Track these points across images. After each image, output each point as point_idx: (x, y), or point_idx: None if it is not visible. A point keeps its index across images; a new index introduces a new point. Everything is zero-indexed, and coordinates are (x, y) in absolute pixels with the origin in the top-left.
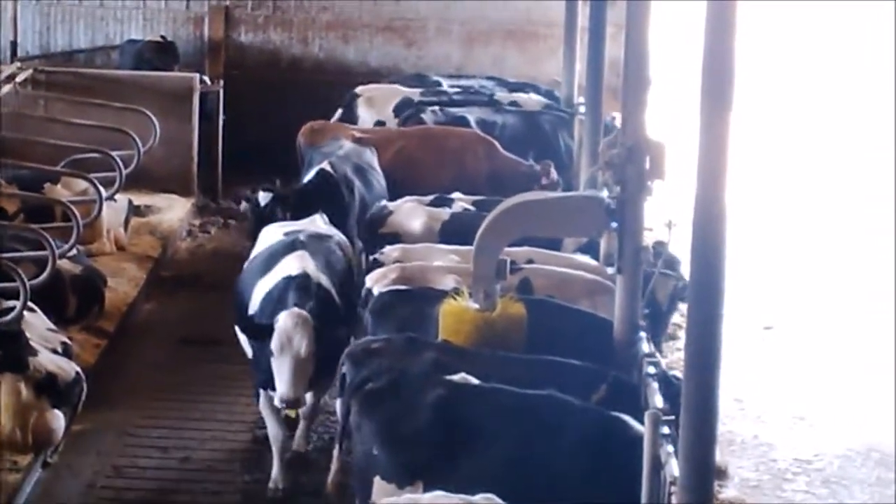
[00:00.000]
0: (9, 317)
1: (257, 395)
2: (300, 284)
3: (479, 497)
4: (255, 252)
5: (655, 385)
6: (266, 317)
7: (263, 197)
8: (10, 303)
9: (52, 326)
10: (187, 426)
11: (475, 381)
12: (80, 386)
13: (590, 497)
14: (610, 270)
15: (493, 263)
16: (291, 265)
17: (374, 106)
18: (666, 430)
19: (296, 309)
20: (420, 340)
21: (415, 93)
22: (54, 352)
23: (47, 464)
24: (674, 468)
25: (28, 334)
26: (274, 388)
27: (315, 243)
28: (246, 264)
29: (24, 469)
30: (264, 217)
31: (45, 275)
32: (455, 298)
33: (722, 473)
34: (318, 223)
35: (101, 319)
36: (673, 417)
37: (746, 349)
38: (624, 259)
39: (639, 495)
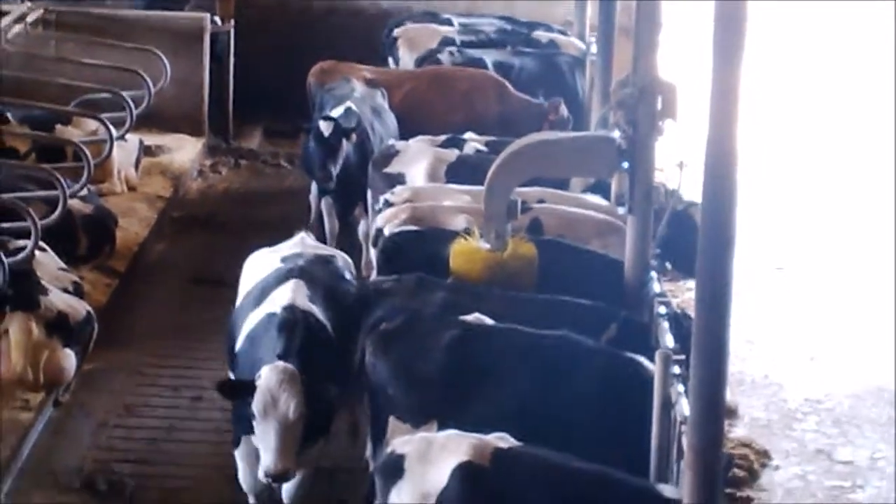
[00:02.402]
0: (20, 256)
1: (237, 441)
2: (284, 322)
3: (492, 435)
4: (249, 281)
5: (666, 325)
6: (247, 367)
7: (326, 127)
8: (21, 242)
9: (63, 266)
10: (199, 365)
11: (489, 321)
12: (91, 325)
13: (601, 436)
14: (621, 211)
15: (504, 203)
16: (280, 297)
17: (416, 47)
18: (676, 369)
19: (280, 363)
20: (430, 280)
21: (452, 31)
22: (65, 291)
23: (59, 403)
24: (684, 408)
25: (39, 274)
26: None
27: (315, 269)
28: (239, 295)
29: (36, 408)
30: (330, 147)
31: (55, 214)
32: (466, 238)
33: (732, 413)
34: (308, 241)
35: (112, 259)
36: (683, 357)
37: (757, 289)
38: (635, 199)
39: (649, 435)
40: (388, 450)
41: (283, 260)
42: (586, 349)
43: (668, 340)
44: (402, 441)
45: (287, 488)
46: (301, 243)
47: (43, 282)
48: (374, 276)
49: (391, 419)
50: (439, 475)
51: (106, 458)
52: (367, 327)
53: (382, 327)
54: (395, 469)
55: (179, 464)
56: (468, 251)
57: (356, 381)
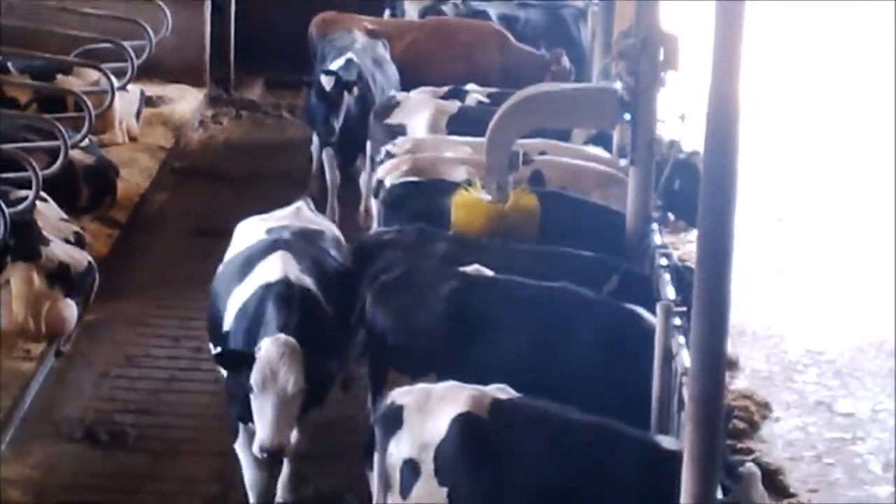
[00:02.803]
0: (21, 206)
1: (235, 431)
2: (281, 295)
3: (491, 387)
4: (230, 252)
5: (667, 276)
6: (242, 340)
7: (328, 81)
8: (23, 192)
9: (65, 216)
10: (200, 316)
11: (489, 272)
12: (92, 275)
13: (601, 387)
14: (622, 162)
15: (506, 155)
16: (270, 269)
17: None
18: (677, 321)
19: (282, 336)
20: (432, 232)
21: None
22: (67, 241)
23: (60, 353)
24: (685, 359)
25: (40, 224)
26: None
27: (301, 242)
28: (220, 266)
29: (37, 358)
30: (332, 102)
31: (57, 165)
32: (467, 190)
33: (733, 365)
34: (304, 212)
35: (114, 210)
36: (685, 309)
37: (758, 241)
38: (637, 151)
39: (649, 386)
40: (388, 401)
41: (269, 231)
42: (585, 300)
43: (670, 292)
44: (402, 392)
45: (282, 483)
46: (296, 213)
47: (44, 232)
48: (375, 227)
49: (391, 370)
50: (438, 426)
51: (107, 408)
52: (368, 278)
53: (382, 278)
54: (394, 419)
55: (181, 414)
56: (470, 203)
57: (352, 332)
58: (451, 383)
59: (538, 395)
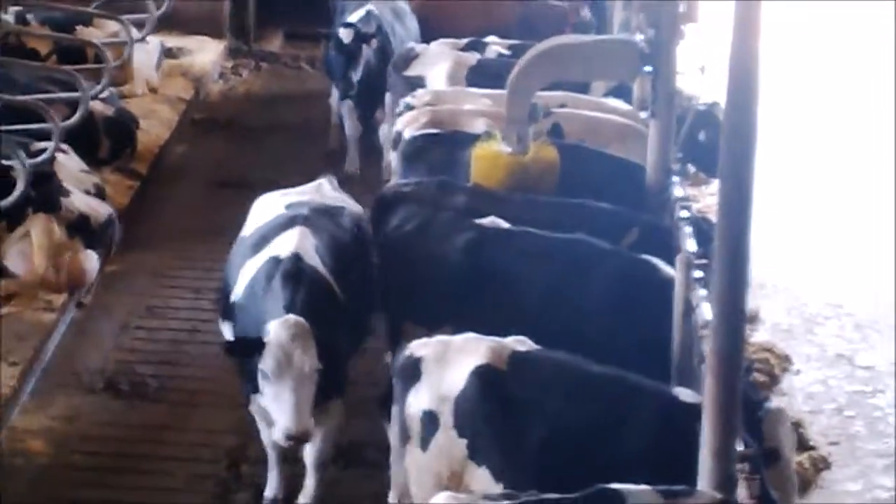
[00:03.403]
0: (41, 158)
1: (248, 399)
2: (289, 272)
3: (510, 339)
4: (247, 227)
5: (688, 229)
6: (249, 314)
7: (346, 34)
8: (43, 144)
9: (85, 168)
10: (220, 267)
11: (505, 224)
12: (112, 227)
13: (620, 339)
14: (642, 115)
15: (526, 107)
16: (284, 245)
17: None
18: (698, 273)
19: (291, 317)
20: (451, 184)
21: None
22: (87, 193)
23: (81, 304)
24: (705, 312)
25: (61, 175)
26: None
27: (320, 219)
28: (237, 240)
29: (59, 309)
30: (351, 55)
31: (77, 116)
32: (487, 142)
33: (754, 318)
34: (325, 189)
35: (134, 161)
36: (705, 261)
37: (779, 193)
38: (657, 103)
39: (669, 339)
40: (406, 353)
41: (288, 207)
42: (601, 252)
43: (690, 245)
44: (420, 344)
45: (310, 448)
46: (317, 189)
47: (64, 184)
48: (394, 179)
49: (407, 323)
50: (457, 378)
51: (128, 359)
52: (387, 231)
53: (399, 230)
54: (412, 372)
55: (201, 365)
56: (489, 155)
57: (368, 314)
58: (469, 335)
59: (555, 347)
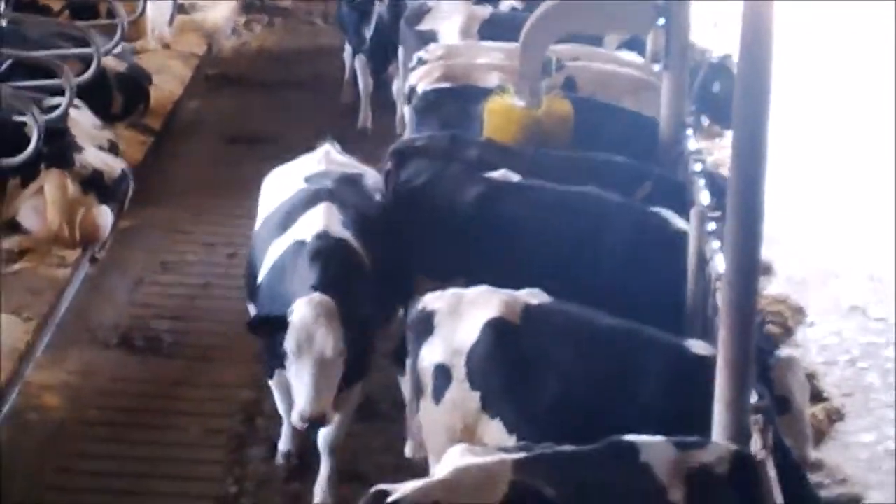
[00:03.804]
0: (55, 114)
1: (269, 374)
2: (317, 250)
3: (523, 291)
4: (265, 206)
5: (701, 182)
6: (277, 296)
7: None
8: (56, 100)
9: (98, 123)
10: (233, 222)
11: (516, 177)
12: (126, 182)
13: (631, 291)
14: (656, 68)
15: (539, 61)
16: (311, 222)
17: None
18: (711, 226)
19: (316, 295)
20: (464, 138)
21: None
22: (100, 149)
23: (95, 260)
24: (719, 265)
25: (74, 131)
26: None
27: (345, 191)
28: (258, 220)
29: (73, 265)
30: (363, 10)
31: (90, 72)
32: (500, 96)
33: (767, 270)
34: (333, 156)
35: (147, 117)
36: (719, 214)
37: (794, 146)
38: (671, 56)
39: (682, 291)
40: (419, 306)
41: (308, 180)
42: (612, 204)
43: (704, 197)
44: (433, 297)
45: (323, 432)
46: (325, 158)
47: (78, 139)
48: (407, 134)
49: (419, 277)
50: (470, 331)
51: (142, 314)
52: (399, 185)
53: (409, 185)
54: (425, 325)
55: (215, 320)
56: (503, 109)
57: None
58: (482, 288)
59: (565, 299)
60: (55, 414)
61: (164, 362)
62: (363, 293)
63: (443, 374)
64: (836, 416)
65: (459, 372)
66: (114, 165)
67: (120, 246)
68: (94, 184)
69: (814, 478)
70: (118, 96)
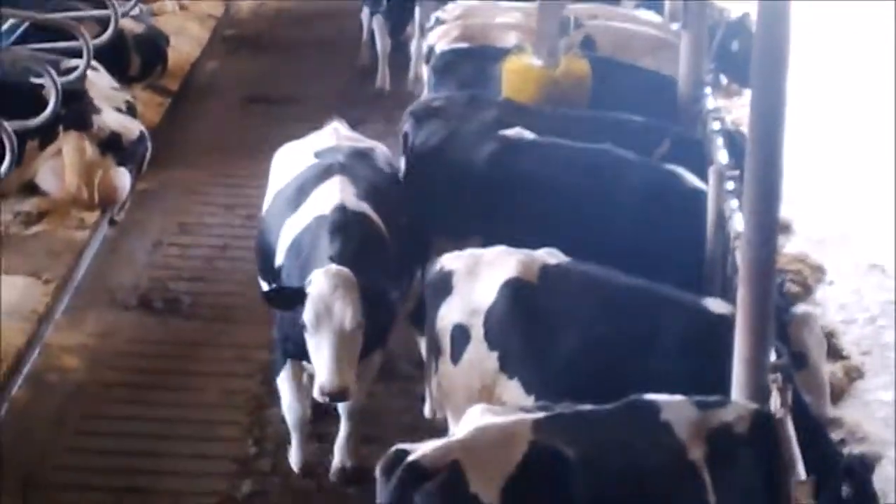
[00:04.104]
0: (72, 76)
1: (279, 367)
2: (336, 223)
3: (541, 251)
4: (275, 182)
5: (720, 140)
6: (296, 275)
7: None
8: (74, 62)
9: (116, 85)
10: (252, 183)
11: (530, 135)
12: (144, 144)
13: (648, 248)
14: (674, 26)
15: (557, 20)
16: (326, 197)
17: None
18: (730, 185)
19: (333, 266)
20: (482, 98)
21: None
22: (118, 110)
23: (114, 222)
24: (738, 223)
25: (92, 93)
26: (307, 358)
27: (356, 164)
28: (269, 197)
29: (91, 227)
30: None
31: (107, 34)
32: (518, 56)
33: (787, 228)
34: (342, 132)
35: (165, 78)
36: (737, 172)
37: (813, 105)
38: (689, 15)
39: (696, 249)
40: (437, 266)
41: (318, 155)
42: (626, 161)
43: (722, 156)
44: (451, 257)
45: (339, 446)
46: (335, 134)
47: (96, 101)
48: (425, 94)
49: (434, 236)
50: (488, 291)
51: (161, 276)
52: (416, 144)
53: (428, 143)
54: (443, 285)
55: (234, 281)
56: (520, 69)
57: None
58: (500, 248)
59: (580, 258)
60: (74, 375)
61: (183, 324)
62: (381, 265)
63: (461, 335)
64: (855, 374)
65: (478, 332)
66: (132, 127)
67: (138, 208)
68: (113, 146)
69: (833, 435)
70: (136, 58)
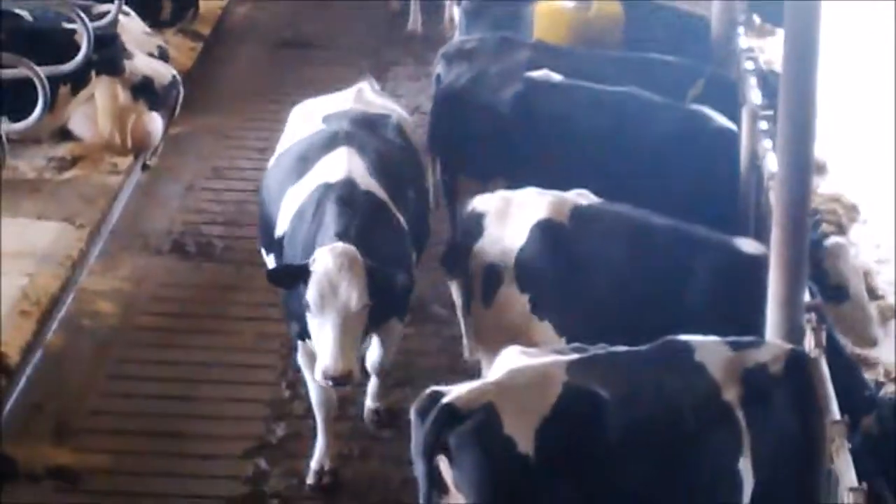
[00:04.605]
0: (104, 20)
1: (294, 346)
2: (343, 198)
3: (572, 192)
4: (284, 141)
5: (753, 80)
6: (299, 249)
7: None
8: (105, 7)
9: (148, 30)
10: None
11: (557, 77)
12: (176, 89)
13: (673, 189)
14: None
15: None
16: (332, 169)
17: None
18: (764, 125)
19: (339, 245)
20: (514, 40)
21: None
22: (150, 55)
23: (147, 166)
24: (771, 164)
25: (124, 38)
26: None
27: (363, 133)
28: (272, 160)
29: (124, 172)
30: None
31: None
32: None
33: (821, 168)
34: (365, 95)
35: (196, 23)
36: (771, 112)
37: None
38: None
39: (724, 189)
40: (468, 208)
41: (326, 120)
42: (651, 103)
43: (755, 96)
44: (482, 199)
45: (368, 354)
46: (358, 96)
47: (128, 46)
48: (457, 36)
49: (460, 177)
50: (519, 232)
51: (194, 220)
52: (444, 86)
53: (454, 84)
54: (475, 227)
55: None
56: (553, 11)
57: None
58: (530, 189)
59: (606, 199)
60: (108, 320)
61: (216, 268)
62: (388, 242)
63: (493, 276)
64: (889, 313)
65: (509, 273)
66: (164, 72)
67: (171, 152)
68: (145, 90)
69: (868, 375)
70: (167, 3)
